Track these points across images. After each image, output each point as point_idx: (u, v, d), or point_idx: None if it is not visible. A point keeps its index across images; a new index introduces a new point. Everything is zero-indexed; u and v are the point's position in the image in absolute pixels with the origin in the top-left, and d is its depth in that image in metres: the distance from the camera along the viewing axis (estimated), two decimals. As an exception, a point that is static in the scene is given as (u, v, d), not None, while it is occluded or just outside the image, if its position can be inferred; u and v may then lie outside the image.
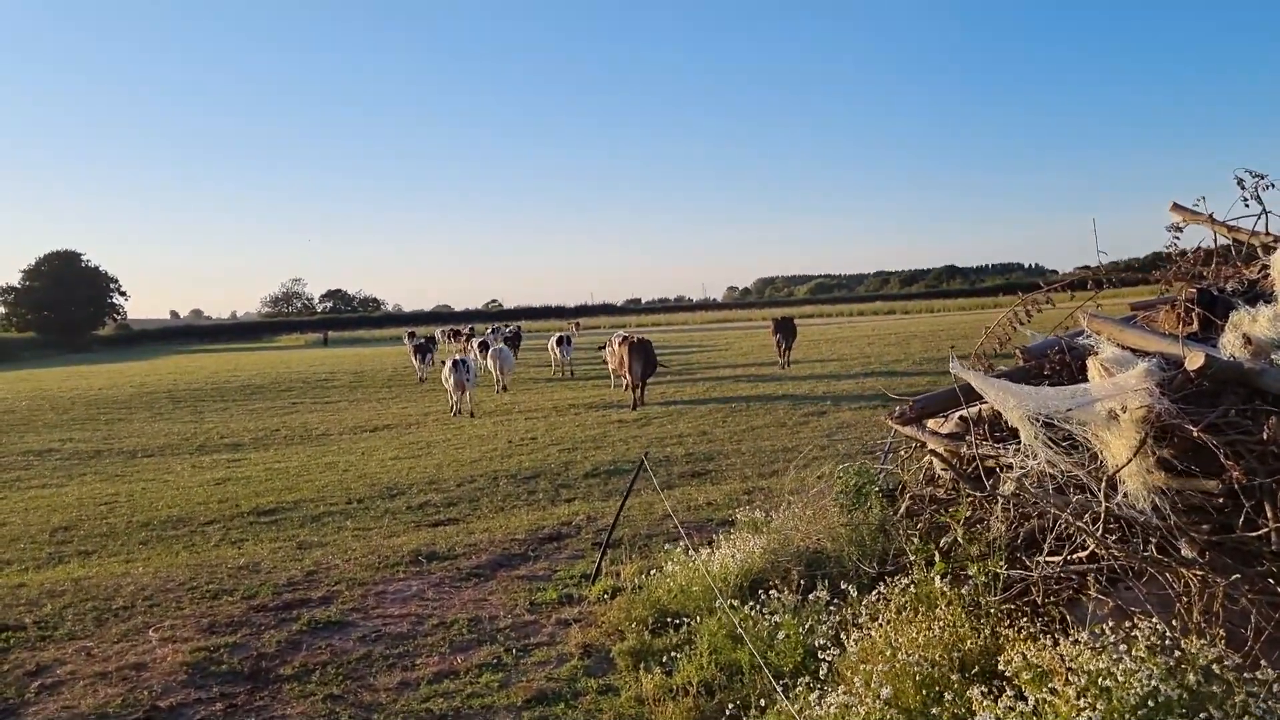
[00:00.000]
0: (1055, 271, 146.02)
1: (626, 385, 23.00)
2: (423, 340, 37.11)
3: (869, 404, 19.31)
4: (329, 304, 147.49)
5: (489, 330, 48.30)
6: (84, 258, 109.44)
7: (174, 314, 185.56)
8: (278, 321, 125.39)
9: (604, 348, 26.50)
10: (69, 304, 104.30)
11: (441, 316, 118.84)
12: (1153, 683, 3.72)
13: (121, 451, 19.67)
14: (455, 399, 22.56)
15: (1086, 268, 6.54)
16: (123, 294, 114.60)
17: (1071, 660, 4.00)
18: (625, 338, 23.42)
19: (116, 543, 11.17)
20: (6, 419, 25.96)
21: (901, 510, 6.44)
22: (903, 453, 7.78)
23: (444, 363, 23.75)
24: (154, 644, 6.91)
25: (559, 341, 32.58)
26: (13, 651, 6.91)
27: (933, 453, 6.26)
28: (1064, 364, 5.72)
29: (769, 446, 15.08)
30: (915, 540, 5.70)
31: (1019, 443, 5.51)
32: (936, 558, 5.47)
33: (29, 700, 6.02)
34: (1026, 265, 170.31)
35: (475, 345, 33.01)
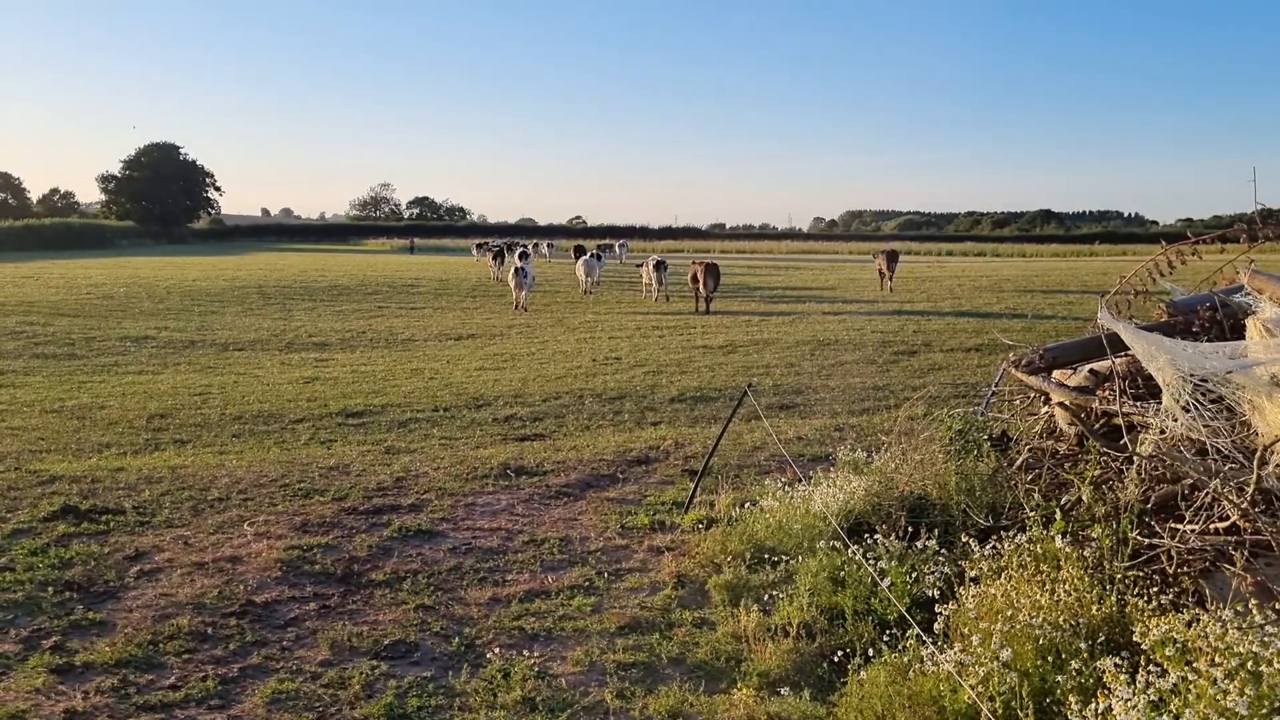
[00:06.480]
0: (1155, 223, 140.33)
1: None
2: (500, 246, 43.55)
3: (961, 347, 18.78)
4: (415, 210, 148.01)
5: (603, 245, 55.32)
6: (182, 151, 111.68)
7: (265, 211, 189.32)
8: (365, 225, 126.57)
9: (641, 265, 33.32)
10: (166, 196, 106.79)
11: (525, 229, 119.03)
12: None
13: (214, 343, 20.05)
14: (516, 296, 28.11)
15: (1241, 219, 6.06)
16: (217, 189, 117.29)
17: (1216, 639, 3.73)
18: (698, 260, 29.03)
19: (210, 434, 11.36)
20: (105, 304, 26.67)
21: (1018, 463, 6.14)
22: (1017, 402, 7.46)
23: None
24: (249, 538, 6.97)
25: (594, 255, 37.73)
26: (113, 535, 7.02)
27: (1059, 405, 5.92)
28: (1214, 321, 5.33)
29: (858, 384, 14.73)
30: (1036, 495, 5.41)
31: (1159, 402, 5.17)
32: (1057, 515, 5.20)
33: (128, 585, 6.10)
34: (1125, 214, 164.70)
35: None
